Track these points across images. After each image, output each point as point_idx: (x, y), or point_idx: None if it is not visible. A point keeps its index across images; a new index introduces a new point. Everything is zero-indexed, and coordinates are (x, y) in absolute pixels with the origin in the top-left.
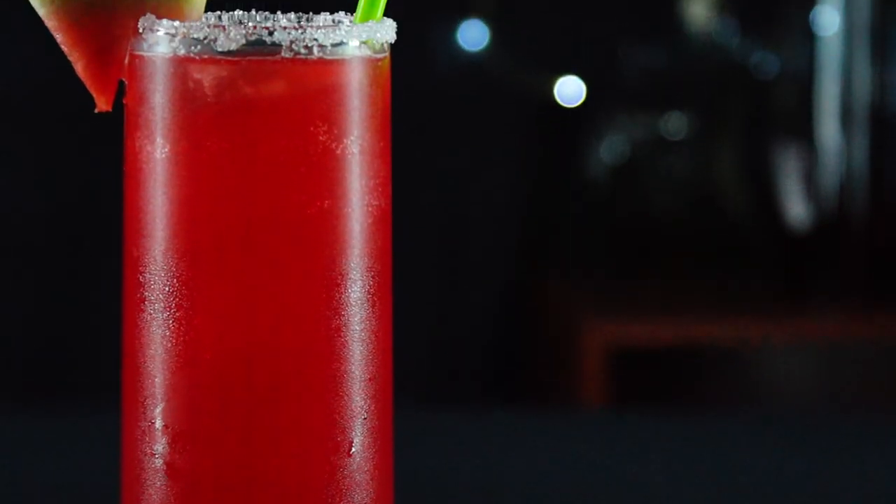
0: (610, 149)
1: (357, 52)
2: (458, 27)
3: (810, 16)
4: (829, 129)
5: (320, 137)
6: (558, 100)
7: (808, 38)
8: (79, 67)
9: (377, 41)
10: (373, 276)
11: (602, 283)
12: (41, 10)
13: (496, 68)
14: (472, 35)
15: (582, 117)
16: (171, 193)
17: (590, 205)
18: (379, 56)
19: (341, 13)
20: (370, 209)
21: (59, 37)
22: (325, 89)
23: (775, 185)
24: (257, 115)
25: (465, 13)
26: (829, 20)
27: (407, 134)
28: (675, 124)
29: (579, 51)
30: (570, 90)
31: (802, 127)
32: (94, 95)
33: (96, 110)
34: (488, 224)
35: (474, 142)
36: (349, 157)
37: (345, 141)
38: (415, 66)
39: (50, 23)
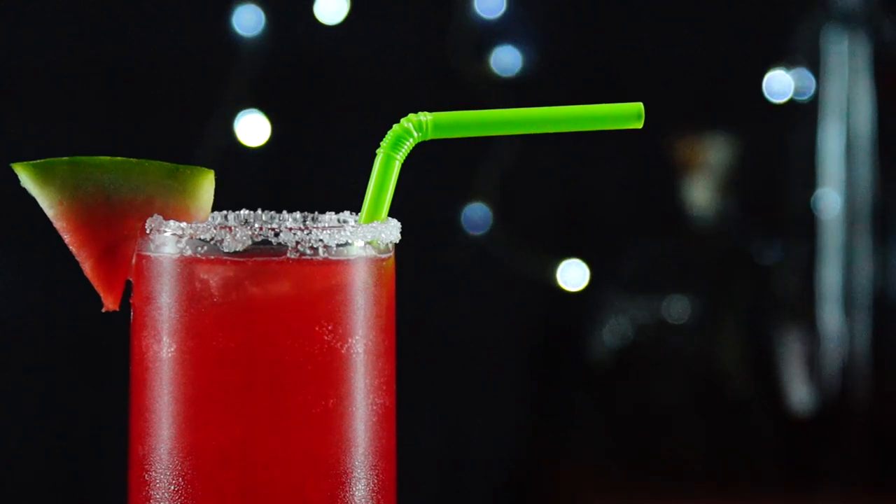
0: (612, 332)
1: (362, 253)
2: (461, 211)
3: (812, 199)
4: (831, 312)
5: (325, 337)
6: (561, 283)
7: (810, 221)
8: (86, 267)
9: (382, 242)
10: (377, 475)
11: (605, 466)
12: (50, 212)
13: (499, 251)
14: (476, 219)
15: (585, 301)
16: (176, 393)
17: (593, 388)
18: (384, 256)
19: (346, 213)
20: (374, 407)
21: (66, 237)
22: (331, 289)
23: (778, 369)
24: (263, 315)
25: (469, 197)
26: (830, 203)
27: (411, 328)
28: (677, 308)
29: (582, 234)
30: (572, 274)
31: (804, 311)
32: (102, 295)
33: (104, 310)
34: (492, 412)
35: (477, 325)
36: (354, 356)
37: (350, 340)
38: (420, 254)
39: (58, 224)
